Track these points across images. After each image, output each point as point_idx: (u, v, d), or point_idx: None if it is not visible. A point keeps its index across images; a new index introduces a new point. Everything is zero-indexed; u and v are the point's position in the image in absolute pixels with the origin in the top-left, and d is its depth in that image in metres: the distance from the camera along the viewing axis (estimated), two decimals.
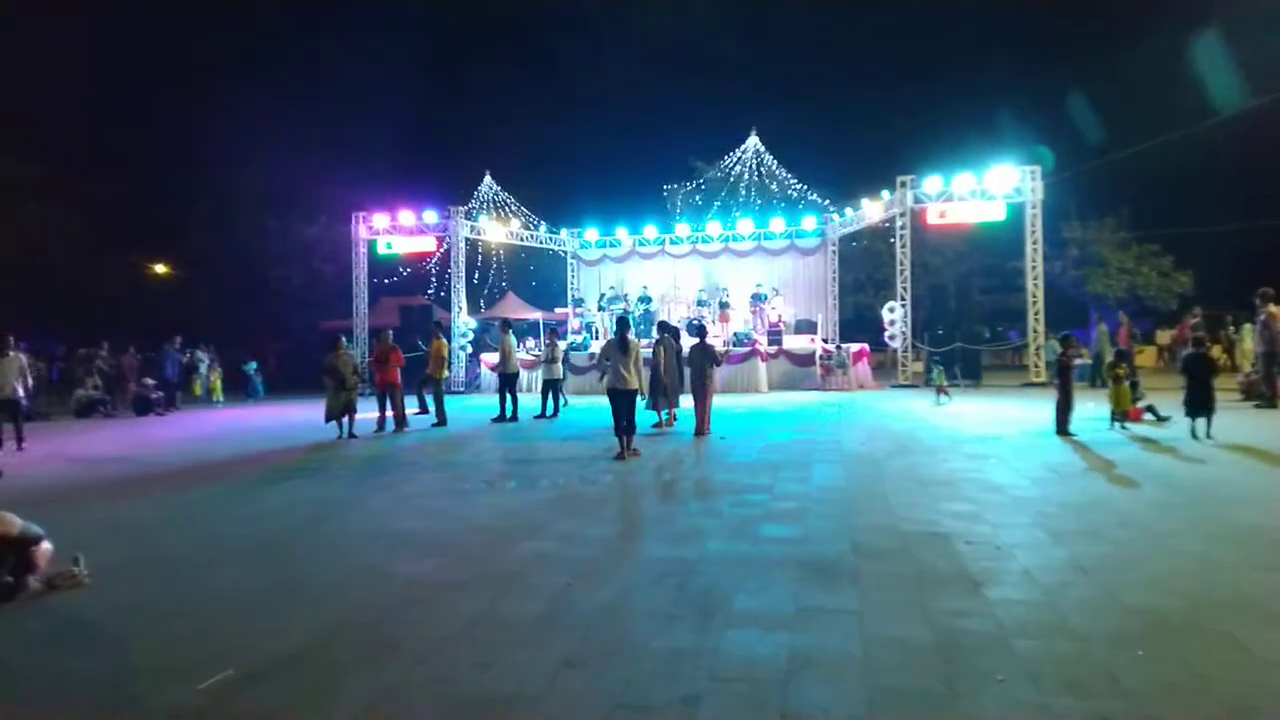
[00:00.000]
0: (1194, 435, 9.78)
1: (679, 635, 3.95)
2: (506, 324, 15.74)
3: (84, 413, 18.70)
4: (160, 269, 37.63)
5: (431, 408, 14.50)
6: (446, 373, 14.46)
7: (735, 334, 22.05)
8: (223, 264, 35.81)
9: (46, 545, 4.96)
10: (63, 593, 4.88)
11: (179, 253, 37.77)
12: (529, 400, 15.96)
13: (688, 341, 12.65)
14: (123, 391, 20.39)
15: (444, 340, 14.71)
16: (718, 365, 12.32)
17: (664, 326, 13.13)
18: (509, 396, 14.59)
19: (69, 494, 8.43)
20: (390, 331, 14.68)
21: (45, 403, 20.51)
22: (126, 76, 41.07)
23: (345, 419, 12.63)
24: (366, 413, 13.43)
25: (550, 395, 15.15)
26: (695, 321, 20.18)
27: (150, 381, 19.78)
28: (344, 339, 13.38)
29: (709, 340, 12.56)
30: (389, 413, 13.46)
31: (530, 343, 24.78)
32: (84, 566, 5.08)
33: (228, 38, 48.68)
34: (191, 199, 37.98)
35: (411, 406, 14.72)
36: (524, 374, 21.50)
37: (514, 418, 14.46)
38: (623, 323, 10.35)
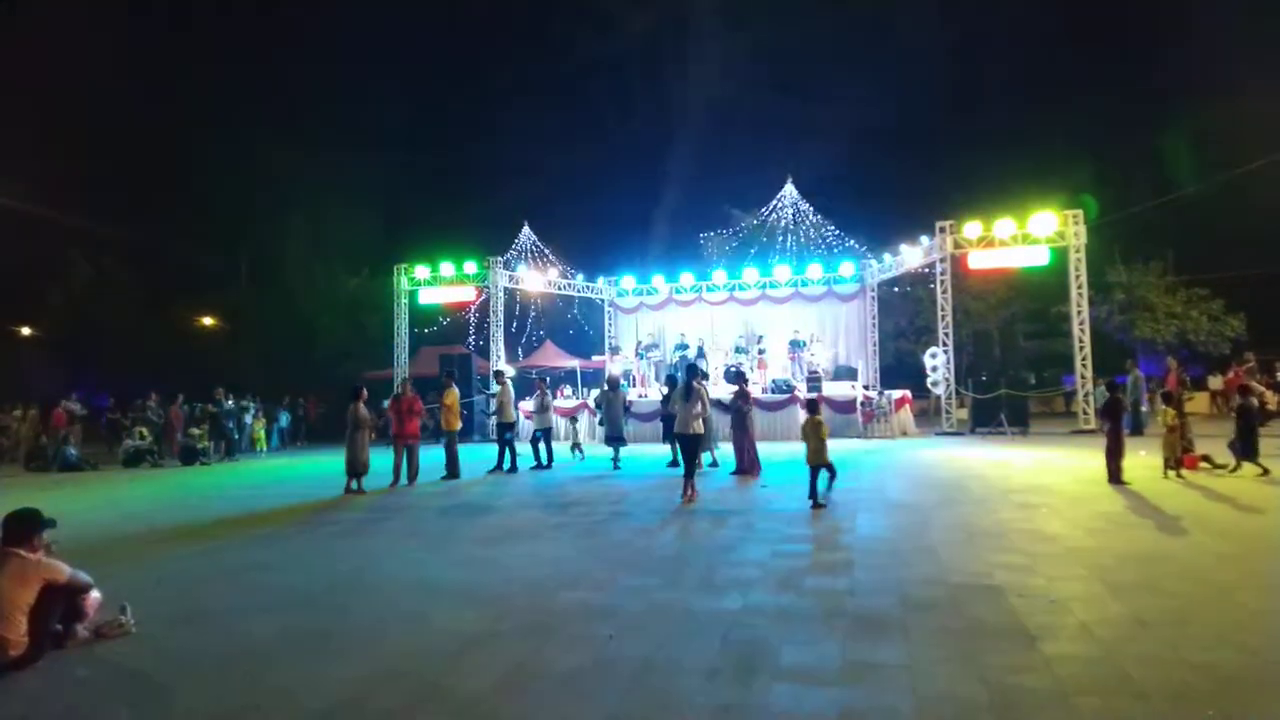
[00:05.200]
0: None
1: (724, 690, 3.86)
2: (501, 375, 15.83)
3: (132, 463, 19.07)
4: (207, 321, 38.57)
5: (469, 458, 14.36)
6: (459, 424, 14.23)
7: (774, 381, 21.90)
8: (268, 316, 36.65)
9: (95, 594, 5.01)
10: (110, 641, 4.92)
11: (226, 305, 38.71)
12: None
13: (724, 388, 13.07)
14: (170, 442, 20.79)
15: (456, 391, 14.45)
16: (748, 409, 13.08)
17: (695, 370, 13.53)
18: (508, 447, 14.53)
19: (116, 543, 8.55)
20: (409, 381, 14.74)
21: (94, 453, 20.96)
22: (171, 132, 42.65)
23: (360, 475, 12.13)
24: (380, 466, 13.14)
25: (543, 445, 14.98)
26: (735, 368, 20.33)
27: (197, 431, 20.14)
28: (364, 388, 13.01)
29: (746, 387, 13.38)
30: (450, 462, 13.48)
31: (566, 390, 24.89)
32: (130, 615, 5.12)
33: (272, 93, 50.47)
34: (238, 253, 39.08)
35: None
36: (562, 422, 21.64)
37: (513, 468, 14.38)
38: (690, 371, 10.70)
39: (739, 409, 12.75)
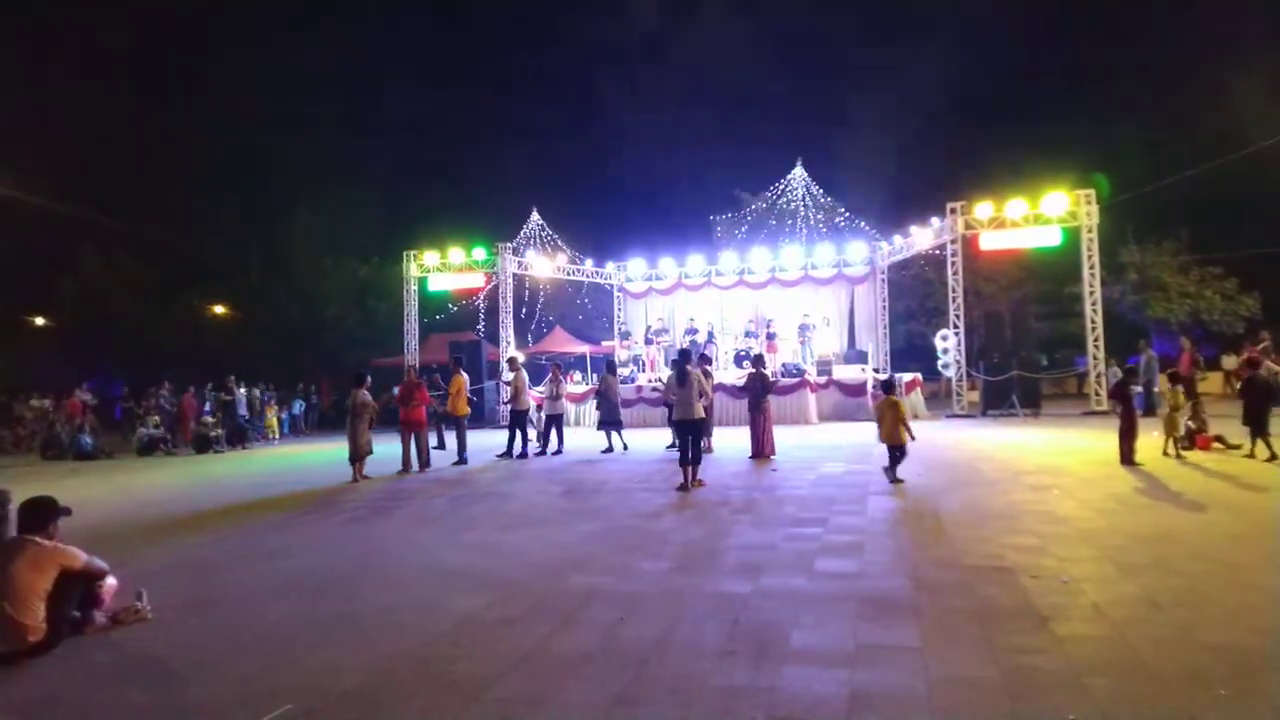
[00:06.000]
0: None
1: (735, 672, 3.87)
2: (515, 361, 15.85)
3: (146, 451, 19.21)
4: (219, 310, 38.72)
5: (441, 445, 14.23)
6: (468, 410, 14.09)
7: (783, 365, 21.86)
8: (279, 304, 36.75)
9: (111, 580, 5.06)
10: (126, 627, 4.97)
11: (236, 294, 38.84)
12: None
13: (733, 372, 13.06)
14: (183, 430, 20.94)
15: (464, 377, 14.39)
16: (769, 392, 13.07)
17: (704, 359, 13.54)
18: (519, 432, 14.51)
19: (132, 531, 8.63)
20: (415, 368, 14.75)
21: (109, 441, 21.13)
22: (180, 124, 42.72)
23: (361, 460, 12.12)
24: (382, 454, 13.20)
25: (554, 430, 15.05)
26: (745, 352, 20.35)
27: (210, 419, 20.27)
28: (368, 376, 12.94)
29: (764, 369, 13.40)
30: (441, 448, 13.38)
31: (576, 376, 24.90)
32: (147, 601, 5.17)
33: (281, 83, 50.45)
34: (248, 242, 39.17)
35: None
36: (574, 408, 21.72)
37: (524, 454, 14.37)
38: (683, 356, 10.59)
39: (757, 391, 12.72)
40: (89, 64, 39.50)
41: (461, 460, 13.64)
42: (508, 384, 15.49)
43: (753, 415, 12.84)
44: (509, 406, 15.03)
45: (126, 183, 39.75)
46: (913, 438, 9.61)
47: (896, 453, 9.49)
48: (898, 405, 9.63)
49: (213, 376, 22.71)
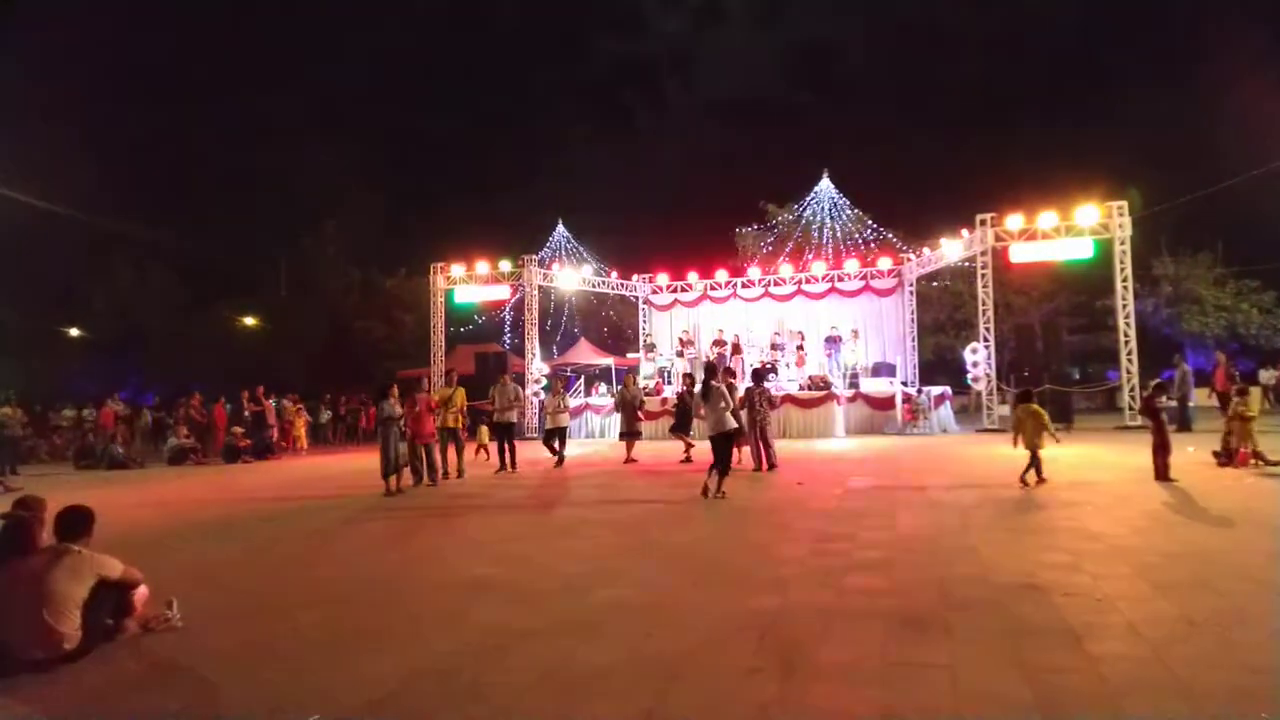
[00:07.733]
0: None
1: (763, 688, 3.82)
2: (503, 371, 15.90)
3: (176, 461, 19.46)
4: (249, 321, 39.21)
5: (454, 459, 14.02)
6: (461, 422, 13.89)
7: (810, 377, 21.75)
8: (307, 316, 37.19)
9: (143, 589, 5.11)
10: (157, 635, 5.01)
11: (265, 306, 39.35)
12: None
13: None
14: (213, 440, 21.19)
15: (462, 390, 14.06)
16: (774, 407, 13.38)
17: (729, 371, 13.85)
18: (508, 446, 14.44)
19: (162, 539, 8.72)
20: (423, 380, 14.82)
21: (140, 451, 21.43)
22: (214, 137, 43.44)
23: (397, 472, 12.03)
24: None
25: (556, 442, 15.01)
26: (766, 365, 20.35)
27: (239, 430, 20.51)
28: (395, 386, 12.84)
29: (767, 383, 13.74)
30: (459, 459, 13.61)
31: (601, 388, 24.93)
32: (177, 610, 5.21)
33: (310, 97, 51.17)
34: (277, 254, 39.74)
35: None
36: (600, 419, 21.74)
37: (513, 467, 14.31)
38: (708, 371, 10.66)
39: (752, 406, 12.74)
40: (122, 79, 40.33)
41: (459, 473, 13.64)
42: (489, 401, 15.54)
43: (749, 432, 12.79)
44: (497, 420, 14.96)
45: (159, 196, 40.56)
46: (1057, 440, 10.35)
47: (1035, 458, 10.01)
48: (1038, 414, 10.16)
49: (242, 387, 23.00)
